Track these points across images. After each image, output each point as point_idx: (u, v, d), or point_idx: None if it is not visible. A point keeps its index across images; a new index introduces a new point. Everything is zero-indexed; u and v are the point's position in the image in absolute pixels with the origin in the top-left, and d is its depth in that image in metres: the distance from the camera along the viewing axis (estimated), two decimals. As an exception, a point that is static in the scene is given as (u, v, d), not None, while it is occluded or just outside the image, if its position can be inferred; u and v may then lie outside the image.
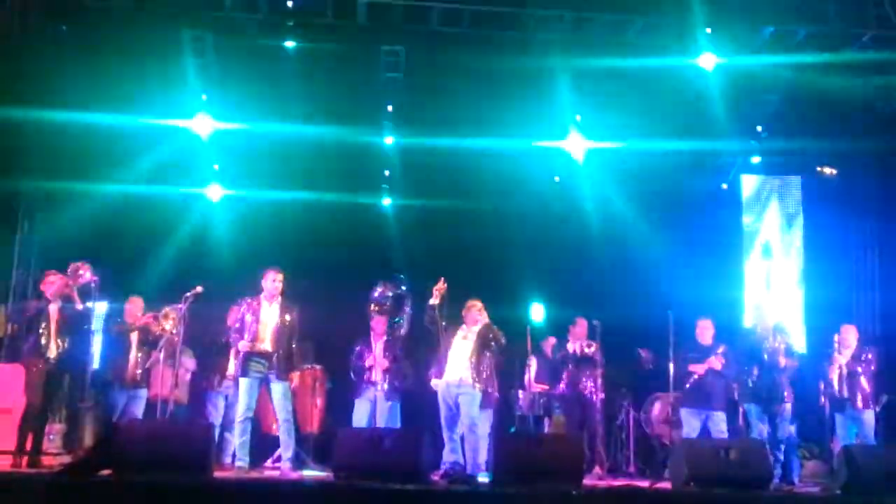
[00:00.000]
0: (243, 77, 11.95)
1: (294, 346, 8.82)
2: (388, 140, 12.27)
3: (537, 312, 10.65)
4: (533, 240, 12.68)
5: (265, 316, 8.76)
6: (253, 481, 8.12)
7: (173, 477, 6.84)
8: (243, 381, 8.67)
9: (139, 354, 9.34)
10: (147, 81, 11.66)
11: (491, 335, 8.91)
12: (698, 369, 9.60)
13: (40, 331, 8.54)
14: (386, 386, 9.47)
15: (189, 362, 10.20)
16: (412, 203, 12.70)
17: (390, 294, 9.64)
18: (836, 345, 9.53)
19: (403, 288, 9.78)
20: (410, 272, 11.70)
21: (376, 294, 9.69)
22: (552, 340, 11.16)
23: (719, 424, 9.59)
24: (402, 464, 7.40)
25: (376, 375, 9.48)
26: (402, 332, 9.69)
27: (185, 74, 11.44)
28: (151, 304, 9.68)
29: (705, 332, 9.83)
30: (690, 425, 9.60)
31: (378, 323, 9.83)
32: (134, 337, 9.37)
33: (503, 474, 7.53)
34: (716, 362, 9.62)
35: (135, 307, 9.52)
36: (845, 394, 9.38)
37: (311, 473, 9.35)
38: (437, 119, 12.39)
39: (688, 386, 9.70)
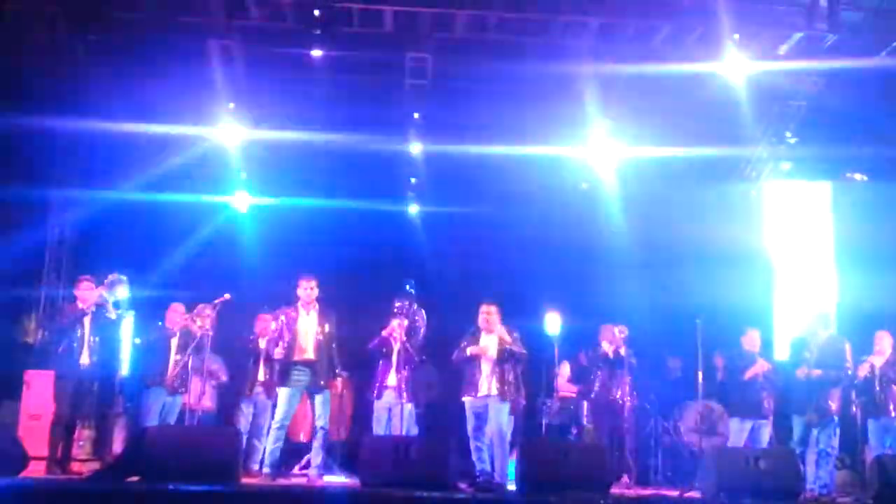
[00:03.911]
0: (270, 86, 12.02)
1: (335, 352, 8.83)
2: (414, 148, 12.25)
3: (553, 323, 10.48)
4: (559, 247, 12.65)
5: (304, 325, 8.77)
6: (280, 488, 8.15)
7: (201, 483, 6.86)
8: (284, 391, 8.69)
9: (178, 359, 9.38)
10: (174, 90, 11.74)
11: (510, 352, 8.84)
12: (757, 368, 9.53)
13: (74, 337, 8.60)
14: (405, 391, 9.41)
15: (222, 372, 10.22)
16: (438, 210, 12.68)
17: (406, 300, 9.63)
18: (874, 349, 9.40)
19: (408, 288, 9.72)
20: (437, 279, 11.71)
21: (396, 304, 9.70)
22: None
23: (765, 434, 9.51)
24: (428, 471, 7.39)
25: (392, 379, 9.44)
26: (419, 337, 9.65)
27: (212, 83, 11.50)
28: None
29: (754, 340, 9.81)
30: (738, 435, 9.53)
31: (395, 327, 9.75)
32: (174, 342, 9.42)
33: (530, 483, 7.50)
34: (764, 364, 9.57)
35: (176, 314, 9.56)
36: (878, 401, 9.25)
37: (338, 481, 9.35)
38: (463, 127, 12.39)
39: (737, 394, 9.65)
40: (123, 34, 11.04)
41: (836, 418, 9.19)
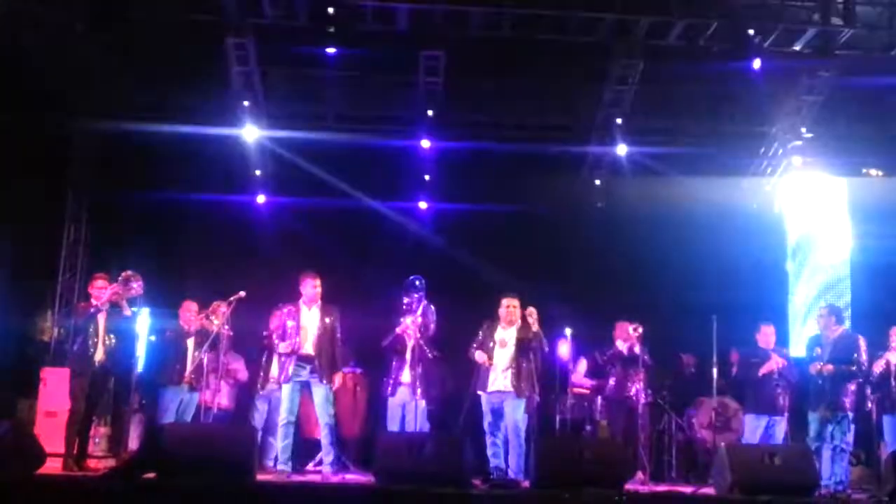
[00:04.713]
0: (285, 84, 12.05)
1: (336, 347, 8.84)
2: (428, 145, 12.25)
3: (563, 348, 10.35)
4: (572, 244, 12.65)
5: (306, 320, 8.79)
6: (295, 485, 8.16)
7: (217, 480, 6.89)
8: (286, 386, 8.72)
9: (195, 355, 9.42)
10: (190, 89, 11.79)
11: (532, 343, 8.82)
12: (771, 365, 9.50)
13: (88, 335, 8.65)
14: (419, 388, 9.41)
15: (241, 372, 10.25)
16: (451, 208, 12.68)
17: (415, 296, 9.65)
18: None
19: (418, 284, 9.72)
20: (448, 275, 11.71)
21: (405, 301, 9.73)
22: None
23: (780, 430, 9.47)
24: (443, 468, 7.40)
25: (406, 376, 9.46)
26: (430, 333, 9.67)
27: (227, 81, 11.54)
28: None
29: (768, 336, 9.78)
30: (753, 432, 9.50)
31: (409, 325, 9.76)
32: (190, 341, 9.47)
33: (545, 479, 7.50)
34: (778, 360, 9.54)
35: (189, 312, 9.59)
36: (894, 397, 9.20)
37: (353, 477, 9.37)
38: (477, 124, 12.39)
39: (752, 391, 9.64)
40: (138, 33, 11.08)
41: (849, 414, 9.12)
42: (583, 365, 11.11)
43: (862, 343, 9.22)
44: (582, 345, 10.81)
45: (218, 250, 12.21)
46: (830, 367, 9.04)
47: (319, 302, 8.85)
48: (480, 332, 9.02)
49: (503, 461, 8.75)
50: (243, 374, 10.24)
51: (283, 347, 8.77)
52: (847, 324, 9.90)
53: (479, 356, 8.87)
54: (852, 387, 9.14)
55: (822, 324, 9.45)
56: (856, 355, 9.10)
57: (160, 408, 9.38)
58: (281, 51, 11.55)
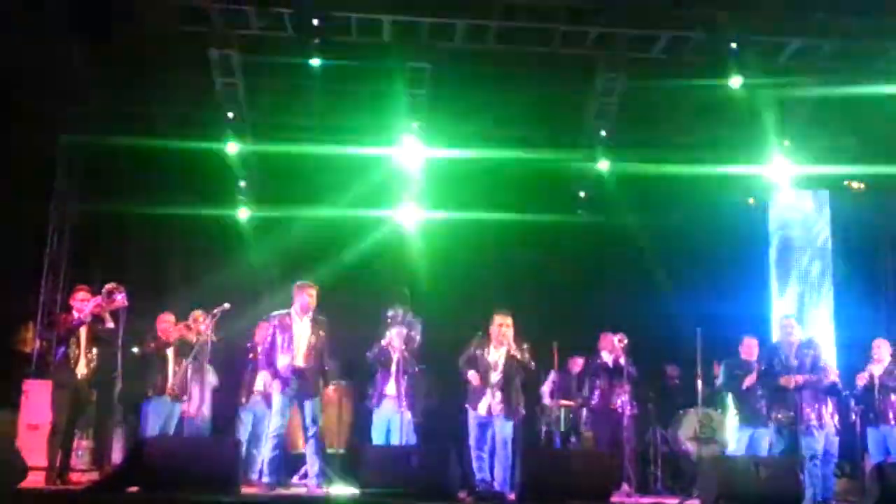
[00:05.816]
0: (269, 95, 12.04)
1: (325, 360, 8.81)
2: (413, 156, 12.24)
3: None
4: (559, 254, 12.67)
5: (298, 331, 8.75)
6: (279, 498, 8.13)
7: (201, 493, 6.85)
8: (279, 398, 8.66)
9: (176, 368, 9.36)
10: (174, 100, 11.76)
11: (519, 365, 8.80)
12: (755, 377, 9.50)
13: (70, 347, 8.60)
14: (404, 400, 9.38)
15: (212, 379, 10.22)
16: (437, 218, 12.67)
17: (401, 312, 9.63)
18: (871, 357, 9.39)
19: (402, 296, 9.70)
20: (434, 287, 11.72)
21: (389, 313, 9.71)
22: (579, 360, 11.16)
23: (764, 442, 9.48)
24: (428, 481, 7.39)
25: (391, 389, 9.44)
26: (415, 346, 9.65)
27: (211, 93, 11.51)
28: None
29: (752, 349, 9.79)
30: (739, 442, 9.52)
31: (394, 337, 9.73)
32: (170, 352, 9.40)
33: (530, 491, 7.50)
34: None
35: (167, 324, 9.53)
36: (877, 409, 9.23)
37: (338, 490, 9.33)
38: (462, 135, 12.41)
39: (737, 403, 9.66)
40: (123, 45, 11.03)
41: (815, 423, 9.03)
42: (548, 384, 11.08)
43: (822, 349, 9.31)
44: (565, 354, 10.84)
45: (201, 262, 12.16)
46: (801, 377, 9.05)
47: (311, 313, 8.80)
48: (471, 347, 8.97)
49: (489, 473, 8.73)
50: (213, 380, 10.19)
51: (280, 361, 8.69)
52: (832, 336, 9.95)
53: (473, 377, 8.83)
54: (821, 396, 9.13)
55: (786, 333, 9.48)
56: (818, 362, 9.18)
57: (143, 420, 9.30)
58: (266, 62, 11.54)
